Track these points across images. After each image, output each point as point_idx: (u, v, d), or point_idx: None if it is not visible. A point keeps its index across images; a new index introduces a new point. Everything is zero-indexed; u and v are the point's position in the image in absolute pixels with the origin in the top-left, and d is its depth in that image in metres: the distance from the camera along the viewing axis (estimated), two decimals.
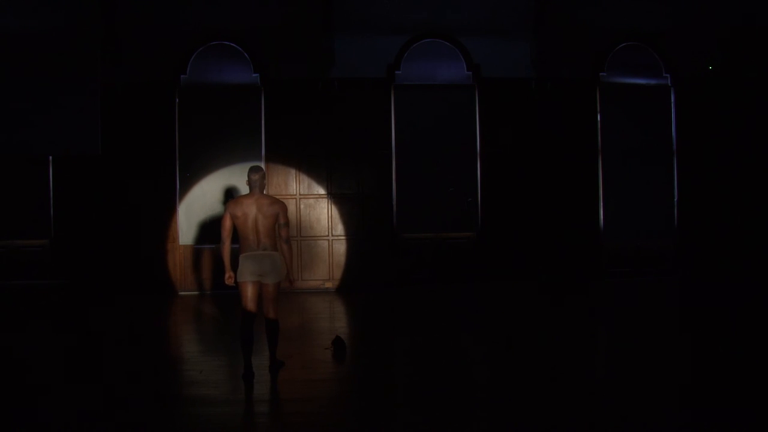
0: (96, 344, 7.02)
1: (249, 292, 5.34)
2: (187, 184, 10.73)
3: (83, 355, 6.45)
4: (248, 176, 5.44)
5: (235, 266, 5.37)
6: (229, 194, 10.68)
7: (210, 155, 10.71)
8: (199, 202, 10.74)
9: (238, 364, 5.37)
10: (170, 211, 10.66)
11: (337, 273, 10.89)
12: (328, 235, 10.88)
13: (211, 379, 5.51)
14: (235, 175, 10.69)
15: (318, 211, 10.89)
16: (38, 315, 9.10)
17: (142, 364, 6.05)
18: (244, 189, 10.62)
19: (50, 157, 10.60)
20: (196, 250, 10.72)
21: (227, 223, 5.35)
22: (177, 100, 10.74)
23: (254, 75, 10.85)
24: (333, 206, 10.89)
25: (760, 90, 11.10)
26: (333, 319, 8.55)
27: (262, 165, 10.66)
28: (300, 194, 10.84)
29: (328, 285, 10.87)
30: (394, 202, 10.97)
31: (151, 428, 4.31)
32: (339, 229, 10.89)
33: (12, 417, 4.51)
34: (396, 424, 4.38)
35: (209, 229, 10.70)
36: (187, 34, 10.69)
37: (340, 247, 10.90)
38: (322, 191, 10.89)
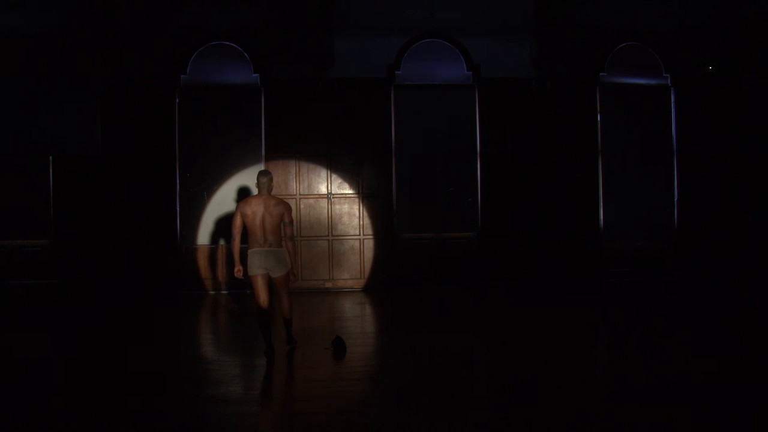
0: (100, 345, 7.03)
1: (259, 283, 6.01)
2: (190, 185, 10.73)
3: (90, 356, 6.45)
4: (257, 179, 6.12)
5: (243, 261, 6.02)
6: (226, 194, 10.69)
7: (210, 155, 10.71)
8: (198, 202, 10.73)
9: (236, 364, 5.33)
10: (170, 211, 10.65)
11: (337, 273, 10.90)
12: (327, 235, 10.89)
13: (210, 378, 5.51)
14: (235, 176, 10.71)
15: (318, 211, 10.89)
16: (40, 315, 9.09)
17: (144, 365, 6.05)
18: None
19: (50, 157, 10.61)
20: (197, 250, 10.72)
21: (237, 221, 5.98)
22: (177, 100, 10.74)
23: (254, 75, 10.85)
24: (333, 206, 10.89)
25: (760, 90, 11.10)
26: (333, 319, 8.54)
27: (263, 165, 10.67)
28: (300, 194, 10.84)
29: (328, 285, 10.87)
30: (394, 202, 10.97)
31: (156, 428, 4.31)
32: (339, 229, 10.90)
33: (26, 418, 4.51)
34: (396, 423, 4.37)
35: (209, 229, 10.71)
36: (187, 34, 10.70)
37: (340, 247, 10.90)
38: (322, 191, 10.89)
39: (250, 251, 5.97)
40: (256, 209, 5.94)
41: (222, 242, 10.69)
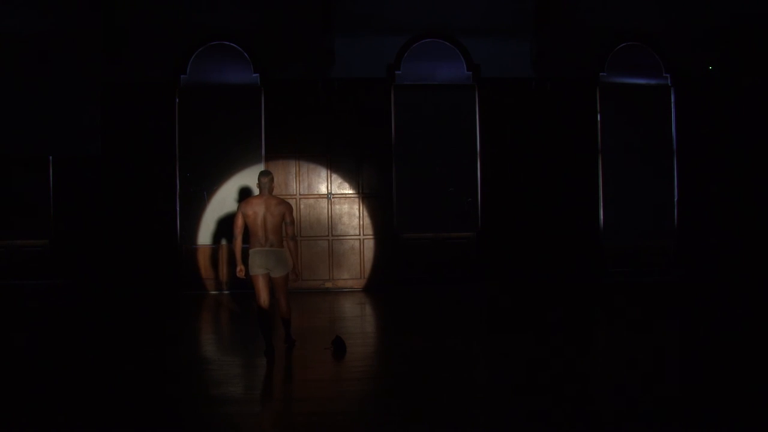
0: (99, 345, 7.03)
1: (260, 283, 6.06)
2: (190, 185, 10.73)
3: (90, 356, 6.45)
4: (258, 179, 6.19)
5: (245, 261, 6.07)
6: (226, 194, 10.70)
7: (210, 155, 10.71)
8: (198, 202, 10.73)
9: (236, 363, 5.33)
10: (170, 211, 10.65)
11: (337, 273, 10.90)
12: (328, 235, 10.89)
13: (210, 378, 5.51)
14: (235, 177, 10.71)
15: (318, 211, 10.89)
16: (40, 315, 9.10)
17: (144, 365, 6.06)
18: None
19: (50, 157, 10.61)
20: (197, 250, 10.72)
21: (239, 221, 6.06)
22: (177, 100, 10.74)
23: (254, 75, 10.85)
24: (333, 206, 10.89)
25: (760, 90, 11.10)
26: (333, 319, 8.55)
27: (263, 165, 10.67)
28: (300, 194, 10.84)
29: (328, 285, 10.87)
30: (394, 202, 10.97)
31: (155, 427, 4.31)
32: (339, 229, 10.90)
33: (26, 419, 4.51)
34: (396, 424, 4.37)
35: (210, 229, 10.71)
36: (187, 34, 10.70)
37: (340, 247, 10.90)
38: (322, 191, 10.89)
39: (251, 251, 6.05)
40: (257, 209, 6.01)
41: (223, 242, 10.69)
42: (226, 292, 10.65)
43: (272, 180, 6.18)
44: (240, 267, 6.11)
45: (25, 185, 10.62)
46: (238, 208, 6.12)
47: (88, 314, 9.02)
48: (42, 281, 10.50)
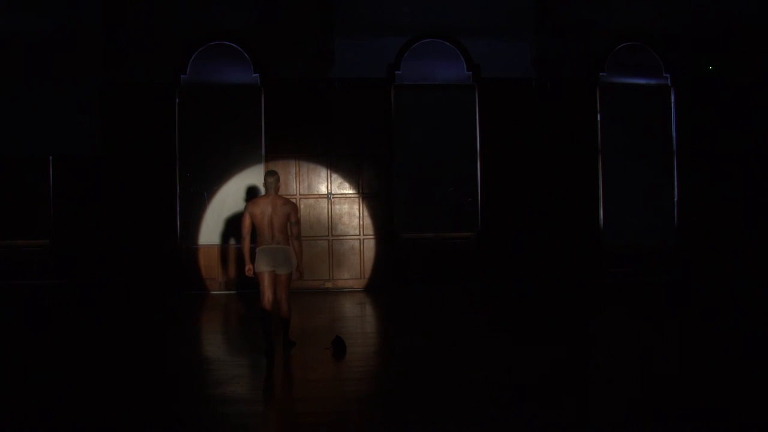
0: (100, 346, 7.03)
1: (266, 281, 6.12)
2: (190, 185, 10.73)
3: (90, 357, 6.45)
4: (264, 179, 6.30)
5: (253, 259, 6.13)
6: (226, 194, 10.70)
7: (210, 155, 10.71)
8: (198, 202, 10.73)
9: (237, 364, 5.31)
10: (170, 211, 10.65)
11: (337, 273, 10.90)
12: (328, 236, 10.89)
13: (210, 379, 5.51)
14: (235, 177, 10.71)
15: (318, 211, 10.89)
16: (40, 315, 9.09)
17: (143, 365, 6.06)
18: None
19: (50, 157, 10.61)
20: (198, 250, 10.71)
21: (246, 221, 6.12)
22: (177, 100, 10.74)
23: (254, 75, 10.85)
24: (333, 206, 10.89)
25: (759, 90, 11.10)
26: (333, 319, 8.55)
27: (263, 165, 10.67)
28: (300, 194, 10.84)
29: (328, 285, 10.87)
30: (394, 202, 10.97)
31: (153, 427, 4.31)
32: (339, 229, 10.89)
33: (26, 419, 4.51)
34: (397, 424, 4.37)
35: (210, 229, 10.70)
36: (187, 34, 10.70)
37: (340, 247, 10.90)
38: (322, 191, 10.89)
39: (258, 249, 6.12)
40: (264, 209, 6.09)
41: (222, 242, 10.68)
42: (227, 292, 10.65)
43: (278, 180, 6.27)
44: (248, 266, 6.15)
45: (25, 185, 10.62)
46: (245, 208, 6.20)
47: (88, 314, 9.02)
48: (42, 281, 10.51)
